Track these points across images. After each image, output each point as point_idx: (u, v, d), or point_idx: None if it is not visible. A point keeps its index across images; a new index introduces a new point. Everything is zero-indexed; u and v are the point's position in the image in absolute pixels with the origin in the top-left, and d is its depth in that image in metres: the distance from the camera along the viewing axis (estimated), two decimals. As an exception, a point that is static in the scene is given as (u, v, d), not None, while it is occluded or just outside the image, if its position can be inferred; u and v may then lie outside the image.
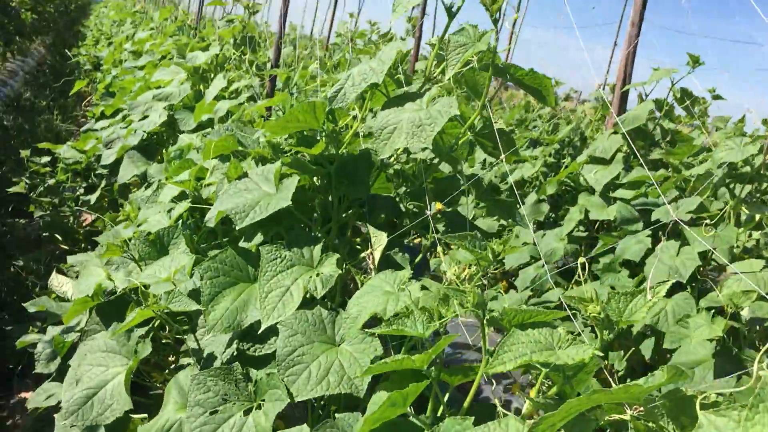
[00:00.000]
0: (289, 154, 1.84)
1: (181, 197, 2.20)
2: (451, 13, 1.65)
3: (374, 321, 1.46)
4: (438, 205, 1.71)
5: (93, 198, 4.18)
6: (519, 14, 8.28)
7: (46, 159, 4.43)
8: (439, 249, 1.51)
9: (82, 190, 4.45)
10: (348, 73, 1.67)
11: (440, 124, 1.51)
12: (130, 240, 2.07)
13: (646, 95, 3.77)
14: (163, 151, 4.15)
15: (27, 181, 4.24)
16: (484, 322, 1.15)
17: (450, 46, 1.54)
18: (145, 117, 4.00)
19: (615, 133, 3.70)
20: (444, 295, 1.23)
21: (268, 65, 3.56)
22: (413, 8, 7.23)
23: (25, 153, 4.31)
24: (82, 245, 4.30)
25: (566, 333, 1.10)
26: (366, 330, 1.45)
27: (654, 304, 1.06)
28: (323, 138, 1.74)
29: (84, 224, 4.46)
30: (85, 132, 5.39)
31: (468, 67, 1.60)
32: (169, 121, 3.82)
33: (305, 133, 1.83)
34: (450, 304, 1.22)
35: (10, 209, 5.19)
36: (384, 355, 1.47)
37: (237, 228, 1.66)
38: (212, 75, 3.85)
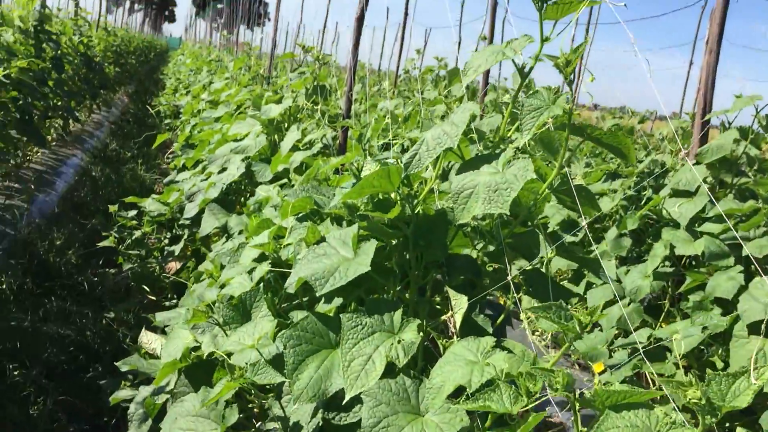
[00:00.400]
0: (364, 213, 1.85)
1: (261, 258, 2.25)
2: (523, 74, 1.64)
3: (459, 388, 1.44)
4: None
5: (177, 249, 4.33)
6: (586, 47, 8.15)
7: (132, 213, 4.62)
8: (523, 316, 1.48)
9: (166, 241, 4.62)
10: (422, 138, 1.68)
11: (517, 189, 1.50)
12: (214, 303, 2.12)
13: (729, 123, 3.63)
14: (241, 199, 4.27)
15: (116, 234, 4.44)
16: (576, 405, 1.12)
17: (524, 109, 1.52)
18: (224, 169, 4.13)
19: (698, 163, 3.57)
20: (529, 374, 1.20)
21: (340, 115, 3.63)
22: (482, 39, 7.22)
23: (113, 208, 4.51)
24: (168, 295, 4.45)
25: (664, 415, 1.05)
26: (451, 401, 1.43)
27: (760, 387, 1.00)
28: (399, 201, 1.75)
29: (169, 272, 4.61)
30: (168, 183, 5.61)
31: (543, 128, 1.58)
32: (246, 173, 3.93)
33: (380, 196, 1.84)
34: (537, 381, 1.19)
35: (100, 261, 5.43)
36: (470, 425, 1.44)
37: (317, 294, 1.68)
38: (286, 125, 3.95)
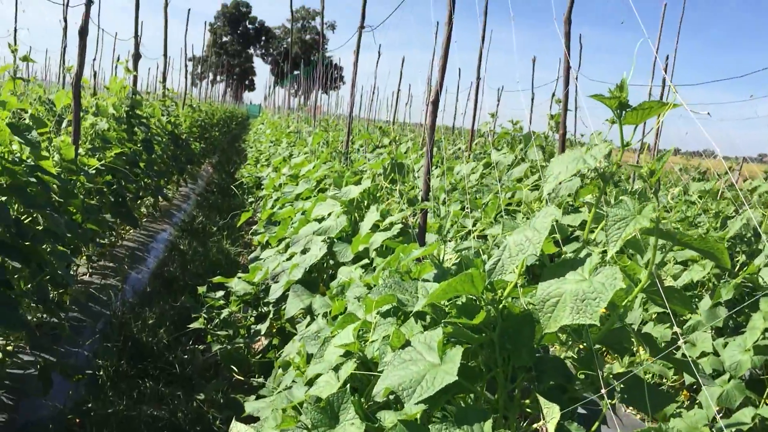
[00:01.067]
0: (449, 318, 1.85)
1: (347, 354, 2.26)
2: (604, 178, 1.62)
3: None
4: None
5: (263, 328, 4.42)
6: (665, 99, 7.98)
7: (220, 293, 4.76)
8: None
9: (252, 319, 4.73)
10: (504, 243, 1.68)
11: (606, 299, 1.46)
12: (301, 405, 2.14)
13: (828, 186, 3.45)
14: (324, 276, 4.33)
15: (205, 315, 4.58)
16: None
17: (609, 220, 1.50)
18: (306, 250, 4.22)
19: (795, 229, 3.40)
20: None
21: (417, 194, 3.67)
22: (556, 103, 7.18)
23: (201, 289, 4.67)
24: (256, 375, 4.52)
25: None
26: None
27: None
28: (483, 307, 1.74)
29: (256, 349, 4.69)
30: (253, 260, 5.76)
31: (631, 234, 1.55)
32: (328, 252, 4.00)
33: (464, 300, 1.84)
34: None
35: (190, 339, 5.59)
36: None
37: (405, 404, 1.67)
38: (365, 203, 4.01)
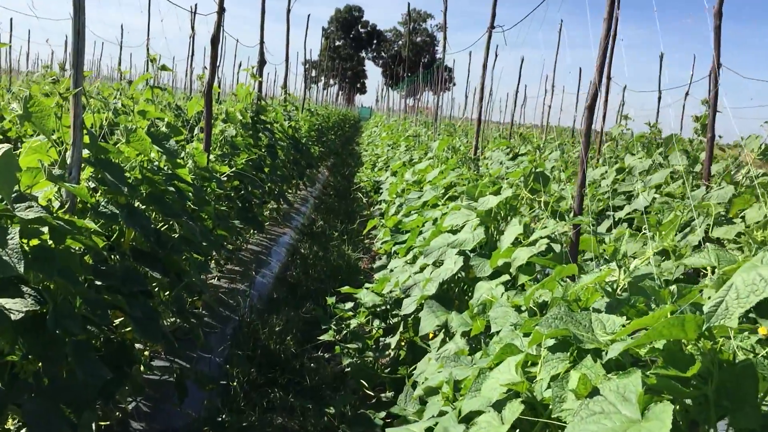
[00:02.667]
0: (655, 368, 1.58)
1: (509, 391, 2.03)
2: None
3: None
4: None
5: (393, 342, 4.26)
6: None
7: (350, 305, 4.65)
8: None
9: (380, 331, 4.58)
10: (729, 283, 1.39)
11: None
12: (462, 448, 1.93)
13: None
14: (456, 290, 4.12)
15: (334, 327, 4.48)
16: None
17: None
18: (439, 262, 4.02)
19: None
20: None
21: (564, 205, 3.38)
22: (703, 104, 6.63)
23: (330, 300, 4.57)
24: (385, 390, 4.37)
25: None
26: None
27: None
28: (698, 356, 1.46)
29: (384, 364, 4.54)
30: (377, 269, 5.63)
31: None
32: (463, 266, 3.78)
33: (666, 344, 1.56)
34: None
35: (316, 347, 5.53)
36: None
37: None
38: (503, 215, 3.76)
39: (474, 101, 13.93)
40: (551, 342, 2.03)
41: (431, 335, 4.00)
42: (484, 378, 2.20)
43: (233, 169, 5.62)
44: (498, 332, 3.01)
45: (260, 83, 8.43)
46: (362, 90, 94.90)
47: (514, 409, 1.92)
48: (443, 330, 3.77)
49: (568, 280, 2.64)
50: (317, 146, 13.76)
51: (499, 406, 2.03)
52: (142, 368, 2.98)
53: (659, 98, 11.57)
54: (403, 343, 4.46)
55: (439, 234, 4.22)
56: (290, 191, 11.20)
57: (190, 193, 4.28)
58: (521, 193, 3.63)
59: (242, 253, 7.56)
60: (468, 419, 2.17)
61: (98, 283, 2.90)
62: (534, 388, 1.97)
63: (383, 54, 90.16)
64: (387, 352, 4.29)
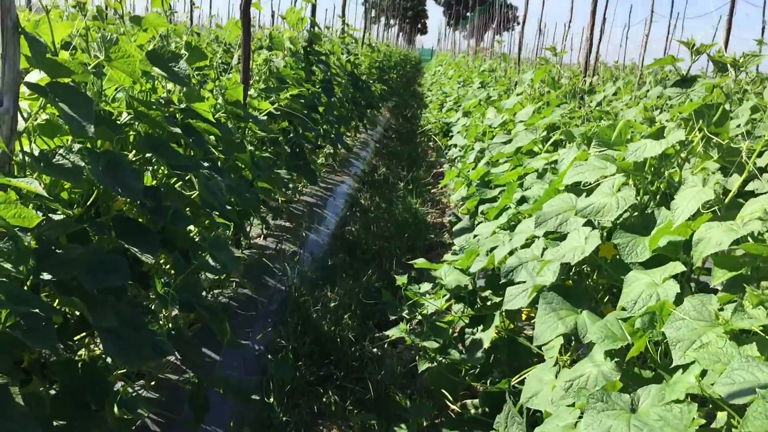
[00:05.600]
0: None
1: None
2: None
3: None
4: None
5: (486, 339, 3.12)
6: None
7: (426, 287, 3.51)
8: None
9: (466, 320, 3.44)
10: None
11: None
12: None
13: None
14: (588, 281, 2.92)
15: (407, 314, 3.36)
16: None
17: None
18: (560, 236, 2.82)
19: None
20: None
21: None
22: None
23: (401, 280, 3.44)
24: (470, 393, 3.28)
25: None
26: None
27: None
28: None
29: (469, 367, 3.42)
30: (459, 232, 4.46)
31: None
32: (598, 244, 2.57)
33: None
34: None
35: (376, 323, 4.47)
36: None
37: None
38: (669, 171, 2.52)
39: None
40: None
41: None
42: None
43: (275, 105, 4.48)
44: (686, 366, 1.83)
45: (314, 6, 7.20)
46: (423, 30, 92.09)
47: None
48: (572, 336, 2.60)
49: None
50: (379, 84, 12.47)
51: None
52: (116, 410, 1.93)
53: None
54: (496, 335, 3.31)
55: (554, 194, 3.01)
56: (349, 134, 10.04)
57: (213, 137, 3.18)
58: (697, 137, 2.36)
59: (294, 205, 6.50)
60: None
61: (46, 277, 1.83)
62: None
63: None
64: (477, 353, 3.15)
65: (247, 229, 4.77)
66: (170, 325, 2.59)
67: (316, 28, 7.08)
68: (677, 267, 2.21)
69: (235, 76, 4.31)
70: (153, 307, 2.45)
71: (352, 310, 4.45)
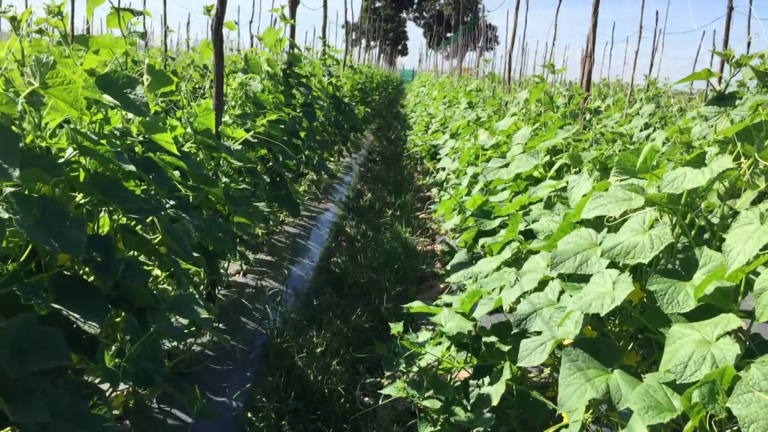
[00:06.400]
0: None
1: None
2: None
3: None
4: None
5: (495, 395, 2.73)
6: None
7: (425, 336, 3.11)
8: None
9: (470, 370, 3.05)
10: None
11: None
12: None
13: None
14: (609, 327, 2.55)
15: (404, 367, 2.96)
16: None
17: None
18: (580, 277, 2.45)
19: None
20: None
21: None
22: None
23: (396, 328, 3.05)
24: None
25: None
26: None
27: None
28: None
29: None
30: (455, 268, 4.08)
31: None
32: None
33: None
34: None
35: (365, 369, 4.07)
36: None
37: None
38: (707, 204, 2.17)
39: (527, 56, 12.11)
40: None
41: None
42: None
43: (252, 132, 4.10)
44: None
45: (293, 27, 6.85)
46: (404, 52, 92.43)
47: None
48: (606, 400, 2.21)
49: None
50: (362, 107, 12.13)
51: None
52: None
53: None
54: (506, 390, 2.92)
55: (570, 229, 2.65)
56: (332, 159, 9.67)
57: (176, 172, 2.79)
58: (745, 164, 2.01)
59: (275, 237, 6.10)
60: None
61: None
62: None
63: (425, 14, 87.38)
64: (485, 411, 2.76)
65: (223, 270, 4.36)
66: (128, 398, 2.18)
67: (296, 50, 6.72)
68: (732, 321, 1.85)
69: (207, 102, 3.94)
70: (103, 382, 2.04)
71: (341, 355, 4.05)
